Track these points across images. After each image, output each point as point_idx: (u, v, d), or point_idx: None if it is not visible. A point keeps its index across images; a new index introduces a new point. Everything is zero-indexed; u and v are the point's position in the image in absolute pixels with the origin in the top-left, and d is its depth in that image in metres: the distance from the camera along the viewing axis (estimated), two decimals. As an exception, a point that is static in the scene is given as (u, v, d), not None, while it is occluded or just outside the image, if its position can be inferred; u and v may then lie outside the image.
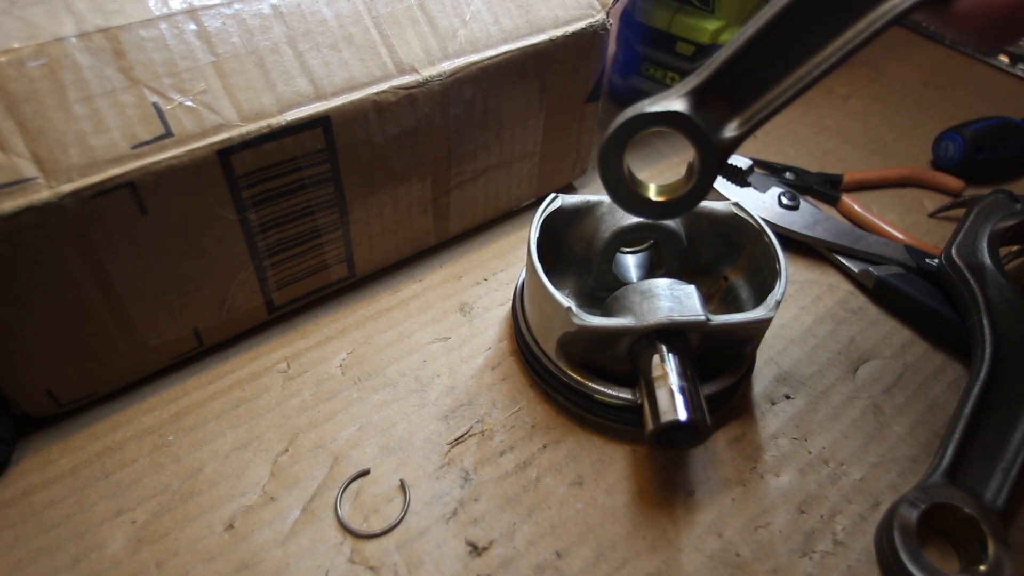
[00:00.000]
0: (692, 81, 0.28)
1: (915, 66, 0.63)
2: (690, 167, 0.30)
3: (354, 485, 0.31)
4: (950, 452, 0.32)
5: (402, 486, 0.31)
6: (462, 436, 0.33)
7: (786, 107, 0.28)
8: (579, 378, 0.33)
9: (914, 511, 0.30)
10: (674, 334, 0.31)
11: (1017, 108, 0.57)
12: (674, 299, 0.31)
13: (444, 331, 0.38)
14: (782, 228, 0.44)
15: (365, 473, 0.32)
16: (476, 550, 0.30)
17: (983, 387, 0.34)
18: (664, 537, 0.30)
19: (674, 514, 0.31)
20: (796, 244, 0.44)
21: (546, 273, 0.32)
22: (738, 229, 0.37)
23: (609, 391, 0.32)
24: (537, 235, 0.34)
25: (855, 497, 0.32)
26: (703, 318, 0.30)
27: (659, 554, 0.30)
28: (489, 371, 0.36)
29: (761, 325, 0.32)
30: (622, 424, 0.34)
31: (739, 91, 0.28)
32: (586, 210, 0.37)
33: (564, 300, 0.31)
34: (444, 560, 0.29)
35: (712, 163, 0.29)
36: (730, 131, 0.28)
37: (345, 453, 0.32)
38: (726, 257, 0.38)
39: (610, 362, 0.33)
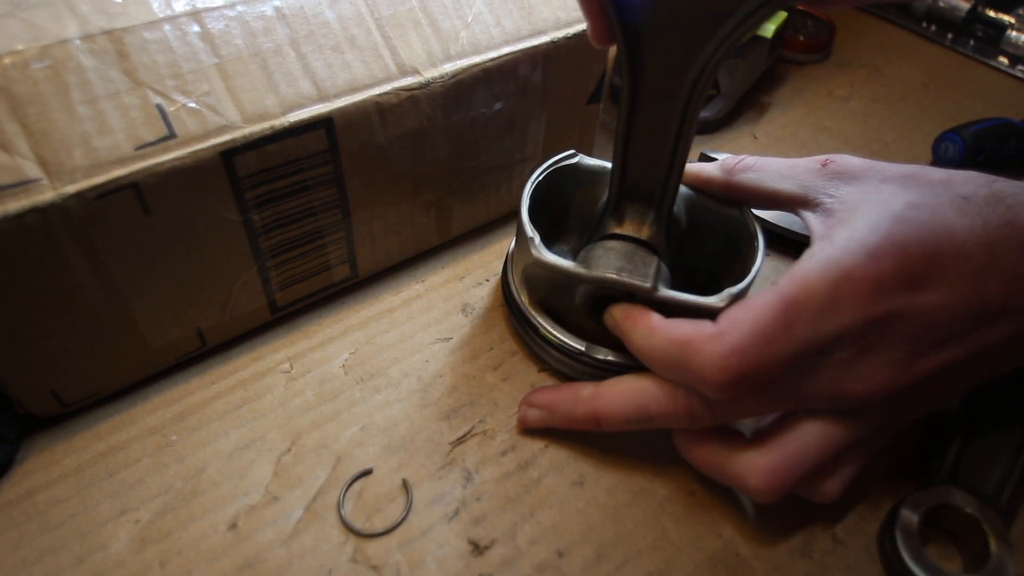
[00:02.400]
0: (610, 217, 0.33)
1: (915, 67, 0.63)
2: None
3: (357, 485, 0.32)
4: (952, 451, 0.32)
5: (404, 486, 0.32)
6: (464, 436, 0.34)
7: (679, 182, 0.32)
8: (531, 309, 0.35)
9: (916, 513, 0.30)
10: (628, 298, 0.32)
11: (1017, 109, 0.57)
12: (631, 262, 0.31)
13: (446, 331, 0.38)
14: (782, 228, 0.44)
15: (368, 473, 0.32)
16: (478, 549, 0.30)
17: (983, 386, 0.34)
18: (665, 536, 0.31)
19: (674, 514, 0.31)
20: (795, 244, 0.44)
21: (552, 226, 0.33)
22: (741, 230, 0.37)
23: (554, 331, 0.34)
24: (544, 176, 0.36)
25: (855, 496, 0.32)
26: (648, 285, 0.30)
27: (660, 553, 0.30)
28: (491, 371, 0.36)
29: (709, 311, 0.31)
30: (562, 369, 0.35)
31: (642, 187, 0.32)
32: (600, 175, 0.38)
33: (532, 231, 0.33)
34: (446, 559, 0.29)
35: (659, 254, 0.32)
36: (650, 224, 0.33)
37: (348, 453, 0.33)
38: (726, 257, 0.38)
39: (568, 310, 0.34)
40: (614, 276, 0.31)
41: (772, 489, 0.28)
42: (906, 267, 0.26)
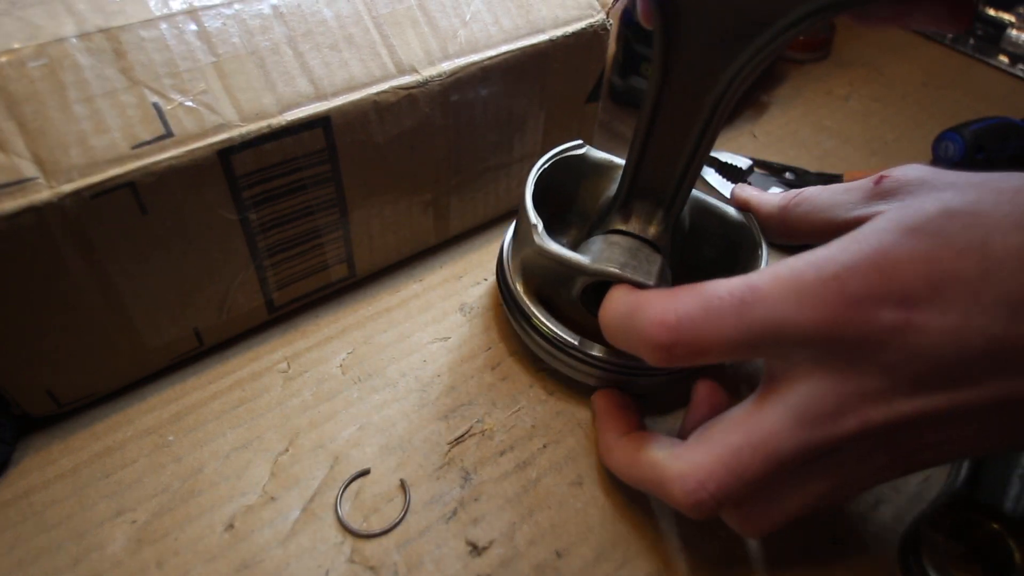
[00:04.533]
0: (617, 213, 0.32)
1: (915, 66, 0.63)
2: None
3: (354, 485, 0.31)
4: (967, 463, 0.31)
5: (402, 486, 0.31)
6: (462, 436, 0.34)
7: (692, 185, 0.31)
8: (526, 298, 0.34)
9: (939, 530, 0.29)
10: None
11: (1017, 108, 0.57)
12: (635, 258, 0.31)
13: (444, 331, 0.38)
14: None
15: (365, 473, 0.32)
16: (476, 550, 0.30)
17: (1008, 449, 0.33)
18: (663, 537, 0.31)
19: (673, 514, 0.31)
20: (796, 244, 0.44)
21: (553, 215, 0.33)
22: (744, 238, 0.36)
23: (548, 322, 0.34)
24: (549, 165, 0.35)
25: (855, 497, 0.32)
26: (651, 283, 0.30)
27: (659, 554, 0.30)
28: (489, 371, 0.36)
29: None
30: (556, 366, 0.35)
31: (654, 186, 0.32)
32: (606, 168, 0.37)
33: (535, 218, 0.32)
34: (444, 560, 0.29)
35: (663, 254, 0.32)
36: (657, 224, 0.32)
37: (345, 453, 0.32)
38: (726, 263, 0.38)
39: (564, 304, 0.34)
40: (616, 270, 0.30)
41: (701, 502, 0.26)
42: (898, 281, 0.22)
